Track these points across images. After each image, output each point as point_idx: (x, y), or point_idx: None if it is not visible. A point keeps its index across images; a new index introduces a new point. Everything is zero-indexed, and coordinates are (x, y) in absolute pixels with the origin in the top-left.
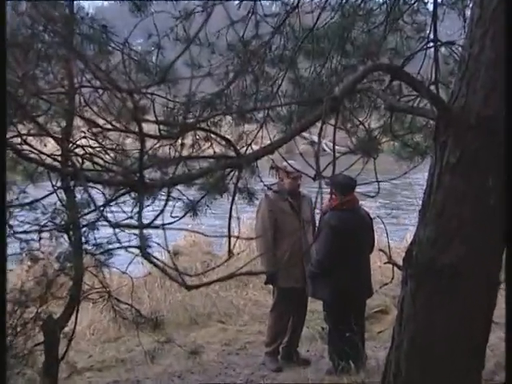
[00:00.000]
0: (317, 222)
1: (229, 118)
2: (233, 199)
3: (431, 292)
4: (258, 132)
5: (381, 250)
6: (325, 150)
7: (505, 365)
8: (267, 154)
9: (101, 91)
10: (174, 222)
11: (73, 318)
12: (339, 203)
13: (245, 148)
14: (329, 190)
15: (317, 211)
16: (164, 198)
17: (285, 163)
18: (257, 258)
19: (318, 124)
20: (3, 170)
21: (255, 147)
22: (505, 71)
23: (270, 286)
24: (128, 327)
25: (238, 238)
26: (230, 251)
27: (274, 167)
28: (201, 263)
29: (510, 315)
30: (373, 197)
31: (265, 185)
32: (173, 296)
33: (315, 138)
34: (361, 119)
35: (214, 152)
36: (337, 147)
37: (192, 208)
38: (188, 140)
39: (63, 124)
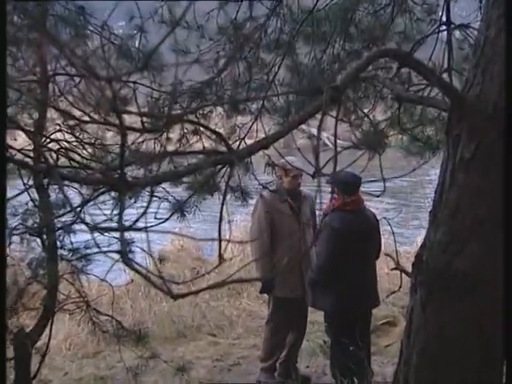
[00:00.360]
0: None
1: (220, 109)
2: (223, 199)
3: (443, 301)
4: (253, 125)
5: (387, 254)
6: (326, 145)
7: (505, 365)
8: (262, 148)
9: (77, 79)
10: (159, 224)
11: (47, 330)
12: (342, 203)
13: (237, 142)
14: (330, 189)
15: (318, 212)
16: (148, 197)
17: (283, 159)
18: (251, 264)
19: (319, 116)
20: (3, 170)
21: (249, 142)
22: (505, 71)
23: (266, 296)
24: (108, 341)
25: (229, 241)
26: (220, 256)
27: (270, 164)
28: (190, 270)
29: (510, 315)
30: (378, 196)
31: (260, 183)
32: (158, 306)
33: (315, 132)
34: (365, 111)
35: (204, 147)
36: (339, 141)
37: (179, 209)
38: (174, 134)
39: (35, 116)
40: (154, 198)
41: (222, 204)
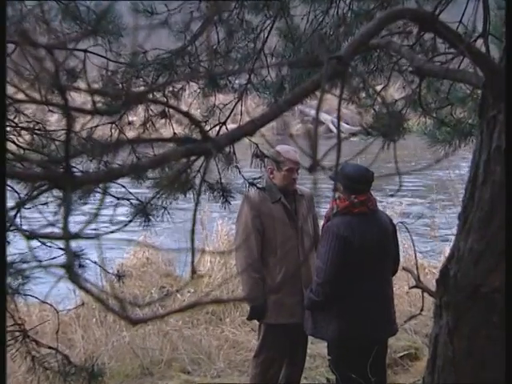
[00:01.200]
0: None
1: (194, 85)
2: (197, 199)
3: (476, 327)
4: (236, 105)
5: (406, 269)
6: (331, 131)
7: (505, 365)
8: (248, 135)
9: (10, 47)
10: (116, 231)
11: None
12: (348, 205)
13: (217, 128)
14: (333, 187)
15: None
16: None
17: (276, 149)
18: (236, 282)
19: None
20: (3, 170)
21: (232, 127)
22: (505, 71)
23: (255, 322)
24: (52, 380)
25: (205, 252)
26: (193, 271)
27: (258, 155)
28: (158, 289)
29: (510, 316)
30: (393, 195)
31: (246, 180)
32: (117, 336)
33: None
34: (378, 88)
35: (174, 133)
36: (346, 126)
37: (143, 212)
38: (136, 117)
39: None
40: (111, 199)
41: (196, 205)
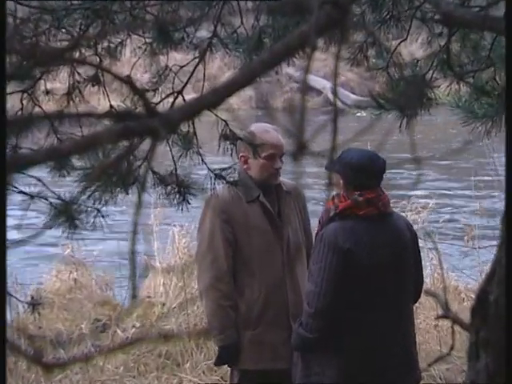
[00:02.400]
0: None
1: (139, 40)
2: (140, 198)
3: None
4: (197, 68)
5: (429, 292)
6: (331, 104)
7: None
8: (211, 108)
9: None
10: (25, 241)
11: None
12: (351, 205)
13: (170, 99)
14: (328, 181)
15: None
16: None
17: (251, 129)
18: (199, 311)
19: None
20: (3, 170)
21: (190, 97)
22: (506, 71)
23: (225, 368)
24: None
25: (152, 270)
26: (134, 295)
27: (228, 137)
28: (90, 323)
29: (510, 315)
30: (415, 188)
31: (211, 171)
32: None
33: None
34: (393, 44)
35: (111, 107)
36: (352, 96)
37: (65, 215)
38: (56, 83)
39: None
40: (21, 197)
41: (138, 206)
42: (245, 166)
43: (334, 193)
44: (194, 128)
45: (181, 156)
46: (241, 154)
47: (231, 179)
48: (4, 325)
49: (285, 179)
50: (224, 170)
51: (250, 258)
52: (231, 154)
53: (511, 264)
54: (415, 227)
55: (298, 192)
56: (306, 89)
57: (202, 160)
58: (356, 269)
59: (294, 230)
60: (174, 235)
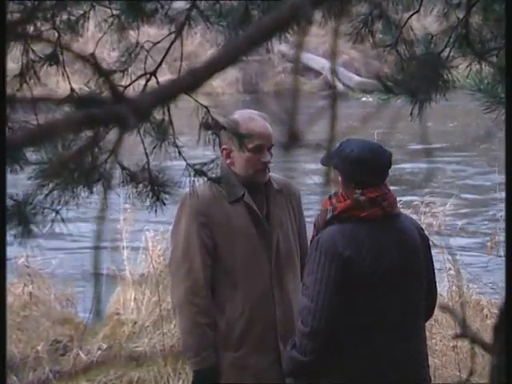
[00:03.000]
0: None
1: (103, 10)
2: (105, 197)
3: None
4: (173, 44)
5: (444, 307)
6: (331, 87)
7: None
8: (188, 92)
9: None
10: None
11: None
12: (352, 206)
13: (142, 81)
14: (325, 178)
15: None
16: None
17: (235, 117)
18: (174, 330)
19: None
20: (3, 169)
21: (164, 79)
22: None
23: None
24: None
25: (121, 281)
26: (99, 311)
27: (209, 126)
28: (49, 344)
29: (511, 315)
30: (427, 186)
31: (190, 166)
32: None
33: (313, 59)
34: (403, 17)
35: (72, 90)
36: (356, 78)
37: (18, 217)
38: (8, 62)
39: None
40: None
41: (103, 207)
42: (228, 161)
43: (332, 192)
44: (169, 115)
45: (154, 148)
46: (223, 147)
47: (214, 175)
48: (4, 324)
49: (275, 175)
50: (205, 164)
51: (232, 268)
52: (214, 147)
53: (511, 264)
54: (429, 232)
55: (291, 190)
56: (301, 69)
57: (180, 153)
58: (358, 280)
59: (285, 235)
60: (147, 241)
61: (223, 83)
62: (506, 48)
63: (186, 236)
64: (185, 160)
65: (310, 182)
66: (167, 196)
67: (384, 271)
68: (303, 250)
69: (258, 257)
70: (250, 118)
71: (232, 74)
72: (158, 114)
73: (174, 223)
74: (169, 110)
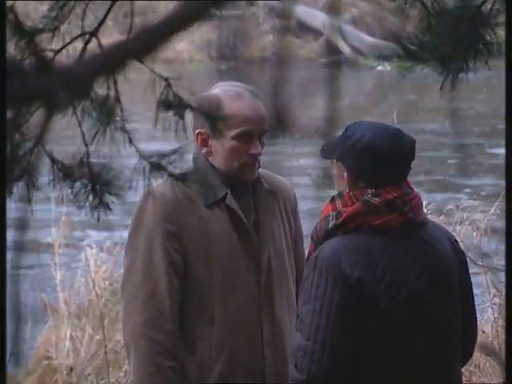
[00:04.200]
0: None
1: None
2: (29, 199)
3: None
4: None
5: (487, 348)
6: (335, 51)
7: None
8: (140, 58)
9: None
10: None
11: None
12: (362, 211)
13: (80, 45)
14: (333, 173)
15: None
16: None
17: (215, 91)
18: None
19: None
20: (3, 169)
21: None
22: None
23: None
24: None
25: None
26: (17, 355)
27: (171, 104)
28: None
29: (511, 315)
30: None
31: (145, 158)
32: None
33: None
34: None
35: None
36: (368, 40)
37: None
38: None
39: None
40: None
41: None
42: (204, 150)
43: (336, 192)
44: (116, 90)
45: (96, 135)
46: (198, 131)
47: (177, 171)
48: (4, 324)
49: (266, 172)
50: (165, 156)
51: (207, 294)
52: (176, 131)
53: (511, 264)
54: (467, 246)
55: (285, 191)
56: (295, 28)
57: (130, 141)
58: (370, 310)
59: (278, 250)
60: (88, 259)
61: (190, 47)
62: (506, 48)
63: (147, 250)
64: (137, 150)
65: (304, 181)
66: (114, 199)
67: (405, 298)
68: (299, 270)
69: (244, 279)
70: (235, 94)
71: (202, 34)
72: (100, 89)
73: (129, 234)
74: (115, 83)
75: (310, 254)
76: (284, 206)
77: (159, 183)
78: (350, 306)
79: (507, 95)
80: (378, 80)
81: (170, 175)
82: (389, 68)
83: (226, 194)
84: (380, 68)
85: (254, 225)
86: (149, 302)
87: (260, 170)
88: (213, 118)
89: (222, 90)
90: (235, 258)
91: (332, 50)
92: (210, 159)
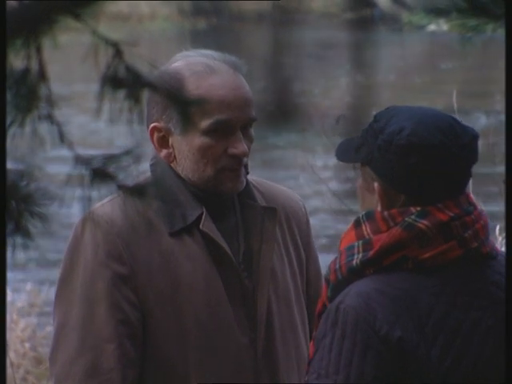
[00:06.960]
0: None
1: None
2: None
3: None
4: None
5: None
6: (368, 4)
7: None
8: (73, 12)
9: None
10: None
11: None
12: (403, 239)
13: None
14: (359, 184)
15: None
16: None
17: (179, 64)
18: None
19: None
20: (3, 169)
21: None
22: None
23: None
24: None
25: None
26: None
27: (121, 82)
28: None
29: (511, 315)
30: None
31: (83, 160)
32: None
33: None
34: None
35: None
36: None
37: None
38: None
39: None
40: None
41: None
42: (163, 153)
43: (361, 211)
44: (40, 62)
45: (10, 127)
46: (153, 125)
47: (130, 183)
48: (4, 325)
49: (263, 181)
50: (113, 159)
51: (178, 362)
52: (130, 122)
53: (511, 264)
54: None
55: (293, 209)
56: None
57: (62, 136)
58: (417, 381)
59: (280, 293)
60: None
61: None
62: (506, 49)
63: (85, 304)
64: (72, 150)
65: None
66: (37, 221)
67: (469, 369)
68: (312, 320)
69: (231, 339)
70: (206, 67)
71: None
72: (16, 59)
73: (59, 279)
74: (39, 50)
75: (322, 303)
76: (290, 229)
77: (103, 201)
78: (387, 381)
79: (507, 95)
80: (430, 45)
81: (120, 188)
82: (445, 28)
83: (201, 215)
84: (433, 28)
85: (244, 259)
86: (90, 380)
87: (251, 178)
88: (182, 101)
89: (185, 62)
90: (217, 310)
91: (362, 0)
92: (172, 165)
